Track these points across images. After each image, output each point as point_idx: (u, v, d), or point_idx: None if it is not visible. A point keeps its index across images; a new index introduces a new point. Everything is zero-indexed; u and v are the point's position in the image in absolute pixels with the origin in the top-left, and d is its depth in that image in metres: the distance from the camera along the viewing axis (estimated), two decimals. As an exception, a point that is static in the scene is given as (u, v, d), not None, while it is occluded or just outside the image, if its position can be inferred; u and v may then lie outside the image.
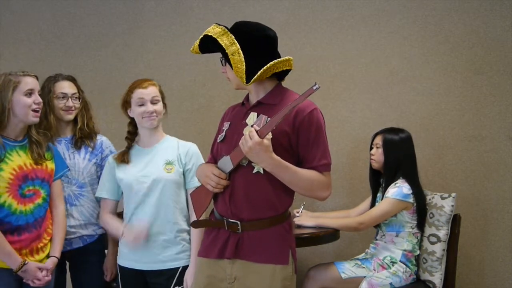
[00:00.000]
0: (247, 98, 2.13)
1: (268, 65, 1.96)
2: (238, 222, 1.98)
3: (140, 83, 2.46)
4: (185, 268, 2.40)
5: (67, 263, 2.72)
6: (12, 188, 2.25)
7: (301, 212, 3.01)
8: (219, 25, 2.00)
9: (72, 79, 2.70)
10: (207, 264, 2.05)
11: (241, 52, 1.94)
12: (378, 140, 2.93)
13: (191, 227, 2.37)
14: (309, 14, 3.60)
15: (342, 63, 3.54)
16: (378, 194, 2.98)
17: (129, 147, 2.53)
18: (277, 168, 1.92)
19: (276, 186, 1.98)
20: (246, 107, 2.09)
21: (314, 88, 1.83)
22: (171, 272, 2.38)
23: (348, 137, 3.53)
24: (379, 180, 3.00)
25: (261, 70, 1.95)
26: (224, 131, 2.10)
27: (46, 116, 2.59)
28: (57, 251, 2.39)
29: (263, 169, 1.95)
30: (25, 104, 2.26)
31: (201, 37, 2.03)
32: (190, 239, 2.44)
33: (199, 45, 2.05)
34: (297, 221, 2.86)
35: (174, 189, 2.41)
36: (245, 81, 1.96)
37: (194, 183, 2.37)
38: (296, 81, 3.40)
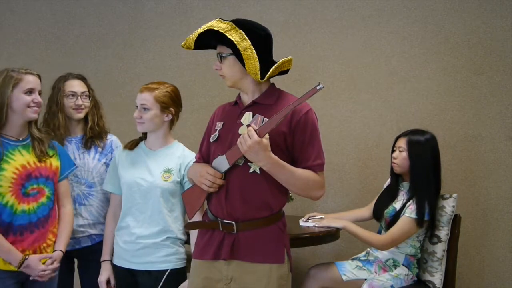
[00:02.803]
0: (239, 97, 2.12)
1: (279, 62, 1.98)
2: (234, 223, 1.97)
3: (143, 86, 2.45)
4: (173, 271, 2.39)
5: (75, 261, 2.73)
6: (15, 188, 2.24)
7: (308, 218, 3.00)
8: (223, 20, 1.98)
9: (82, 78, 2.70)
10: (203, 266, 2.05)
11: (253, 48, 1.94)
12: (402, 143, 2.80)
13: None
14: (309, 14, 3.60)
15: (342, 63, 3.55)
16: (397, 198, 2.85)
17: (142, 138, 2.53)
18: (275, 167, 1.92)
19: (272, 186, 1.98)
20: (239, 106, 2.08)
21: (318, 88, 1.83)
22: (159, 273, 2.37)
23: (348, 137, 3.53)
24: (399, 182, 2.87)
25: (274, 66, 1.96)
26: (217, 130, 2.08)
27: (55, 115, 2.60)
28: (62, 245, 2.37)
29: (259, 169, 1.95)
30: (24, 101, 2.25)
31: (201, 31, 1.99)
32: (183, 245, 2.44)
33: (196, 39, 2.01)
34: (324, 222, 2.83)
35: (169, 198, 2.40)
36: (259, 78, 1.96)
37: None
38: (297, 81, 3.42)
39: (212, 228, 2.04)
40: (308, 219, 2.95)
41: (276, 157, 1.90)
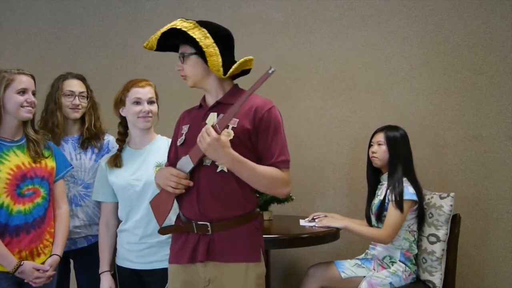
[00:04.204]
0: (203, 100, 2.12)
1: (241, 60, 1.98)
2: (208, 224, 1.96)
3: (137, 82, 2.46)
4: None
5: (71, 262, 2.72)
6: (10, 188, 2.23)
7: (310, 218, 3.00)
8: (187, 19, 1.98)
9: (81, 78, 2.70)
10: (180, 270, 2.03)
11: (215, 45, 1.95)
12: (380, 138, 2.90)
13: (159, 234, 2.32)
14: (309, 14, 3.60)
15: (342, 63, 3.54)
16: (378, 192, 2.94)
17: (120, 150, 2.50)
18: (235, 164, 1.90)
19: (242, 184, 1.96)
20: (204, 108, 2.08)
21: (270, 71, 1.82)
22: (164, 272, 2.32)
23: (348, 137, 3.53)
24: (378, 177, 2.98)
25: (237, 63, 1.97)
26: (184, 134, 2.07)
27: (54, 113, 2.59)
28: (59, 249, 2.36)
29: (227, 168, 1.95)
30: (16, 101, 2.24)
31: (163, 30, 1.98)
32: None
33: (159, 39, 2.00)
34: (325, 222, 2.85)
35: None
36: (222, 74, 1.96)
37: None
38: (297, 81, 3.42)
39: (186, 231, 2.02)
40: (313, 218, 2.96)
41: (236, 154, 1.89)
